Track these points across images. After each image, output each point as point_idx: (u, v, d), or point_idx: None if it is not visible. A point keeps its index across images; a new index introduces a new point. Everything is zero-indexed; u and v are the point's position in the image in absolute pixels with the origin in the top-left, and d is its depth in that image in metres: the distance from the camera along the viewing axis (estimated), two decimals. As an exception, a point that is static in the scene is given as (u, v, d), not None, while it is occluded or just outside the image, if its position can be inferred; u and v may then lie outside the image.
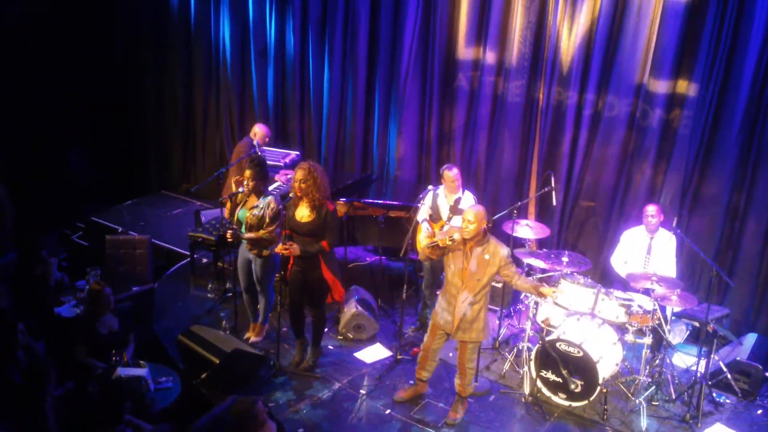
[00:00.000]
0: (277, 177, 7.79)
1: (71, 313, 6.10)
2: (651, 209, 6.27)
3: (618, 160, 7.14)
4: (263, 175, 6.00)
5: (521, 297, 6.87)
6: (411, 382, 5.86)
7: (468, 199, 6.40)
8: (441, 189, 6.52)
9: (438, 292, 5.66)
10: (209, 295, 7.26)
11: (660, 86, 6.74)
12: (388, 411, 5.64)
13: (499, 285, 6.97)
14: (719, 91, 6.52)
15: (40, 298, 6.25)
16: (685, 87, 6.66)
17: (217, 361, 5.49)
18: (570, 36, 7.05)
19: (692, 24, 6.48)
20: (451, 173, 6.40)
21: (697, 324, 6.13)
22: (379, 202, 7.32)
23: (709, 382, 5.81)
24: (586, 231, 7.52)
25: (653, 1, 6.59)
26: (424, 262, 6.38)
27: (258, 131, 7.62)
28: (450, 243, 5.05)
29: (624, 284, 6.25)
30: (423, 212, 6.50)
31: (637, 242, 6.36)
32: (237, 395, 4.52)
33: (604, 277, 7.03)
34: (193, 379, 5.57)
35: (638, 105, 6.89)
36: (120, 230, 8.45)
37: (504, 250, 5.08)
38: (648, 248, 6.29)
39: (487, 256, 5.06)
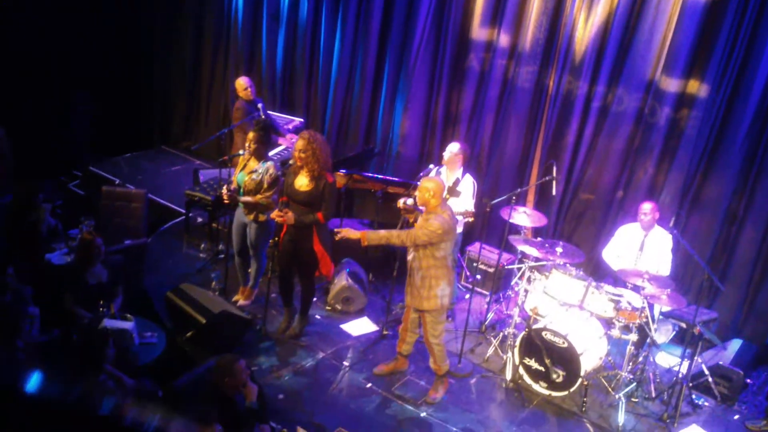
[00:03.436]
0: (281, 140, 7.75)
1: (62, 260, 6.09)
2: (646, 207, 6.24)
3: (622, 155, 7.09)
4: (266, 139, 5.98)
5: (512, 284, 6.88)
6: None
7: (467, 182, 6.37)
8: (443, 169, 6.49)
9: None
10: (201, 254, 7.26)
11: (671, 84, 6.67)
12: (369, 384, 5.67)
13: (491, 270, 6.99)
14: (730, 95, 6.46)
15: (32, 244, 6.24)
16: (696, 87, 6.60)
17: (204, 321, 5.50)
18: (586, 26, 6.97)
19: (710, 24, 6.40)
20: (456, 145, 6.39)
21: (683, 325, 6.14)
22: (379, 177, 7.27)
23: (690, 384, 5.84)
24: (583, 224, 7.49)
25: (673, -3, 6.52)
26: None
27: (238, 86, 7.46)
28: (402, 206, 5.41)
29: (615, 279, 6.26)
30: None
31: (632, 238, 6.35)
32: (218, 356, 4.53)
33: (596, 271, 7.03)
34: (179, 337, 5.59)
35: (647, 101, 6.82)
36: (117, 182, 8.43)
37: (436, 220, 5.03)
38: (641, 245, 6.28)
39: (425, 222, 5.11)
